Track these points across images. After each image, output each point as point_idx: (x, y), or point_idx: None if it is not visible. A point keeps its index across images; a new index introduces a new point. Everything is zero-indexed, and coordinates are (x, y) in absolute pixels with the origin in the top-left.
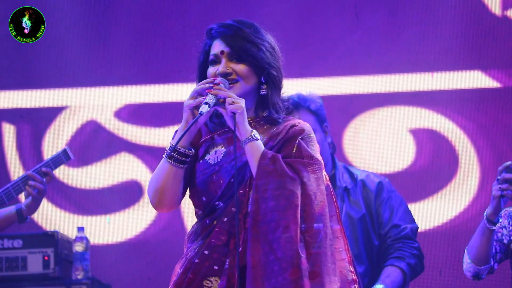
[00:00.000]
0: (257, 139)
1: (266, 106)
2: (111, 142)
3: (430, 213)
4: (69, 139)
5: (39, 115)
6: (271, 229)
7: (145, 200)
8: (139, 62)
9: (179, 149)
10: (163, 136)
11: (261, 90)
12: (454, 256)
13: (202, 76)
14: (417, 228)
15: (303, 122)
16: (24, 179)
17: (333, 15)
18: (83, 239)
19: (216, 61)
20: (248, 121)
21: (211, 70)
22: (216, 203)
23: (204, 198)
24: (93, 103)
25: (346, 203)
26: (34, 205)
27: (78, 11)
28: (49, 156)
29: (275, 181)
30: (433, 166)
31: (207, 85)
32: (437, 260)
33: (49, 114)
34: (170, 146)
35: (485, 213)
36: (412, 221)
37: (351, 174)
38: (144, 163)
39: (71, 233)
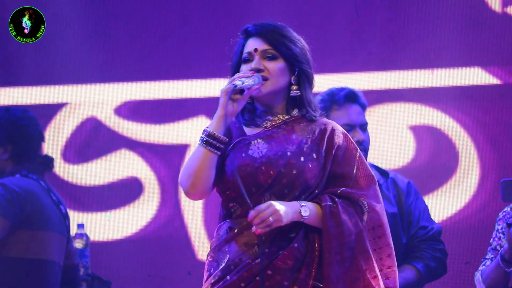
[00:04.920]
0: (307, 216)
1: (301, 105)
2: (111, 139)
3: (430, 210)
4: (69, 136)
5: (38, 112)
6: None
7: (145, 197)
8: (139, 58)
9: (215, 134)
10: (163, 133)
11: (291, 92)
12: (453, 253)
13: None
14: (441, 228)
15: (339, 126)
16: None
17: (332, 11)
18: (83, 236)
19: (249, 59)
20: (284, 120)
21: (244, 67)
22: (266, 194)
23: (254, 189)
24: (93, 100)
25: None
26: None
27: (78, 7)
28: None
29: (344, 241)
30: (433, 163)
31: (245, 74)
32: None
33: (49, 111)
34: (206, 132)
35: (500, 252)
36: (435, 223)
37: (380, 171)
38: (144, 160)
39: (71, 230)
